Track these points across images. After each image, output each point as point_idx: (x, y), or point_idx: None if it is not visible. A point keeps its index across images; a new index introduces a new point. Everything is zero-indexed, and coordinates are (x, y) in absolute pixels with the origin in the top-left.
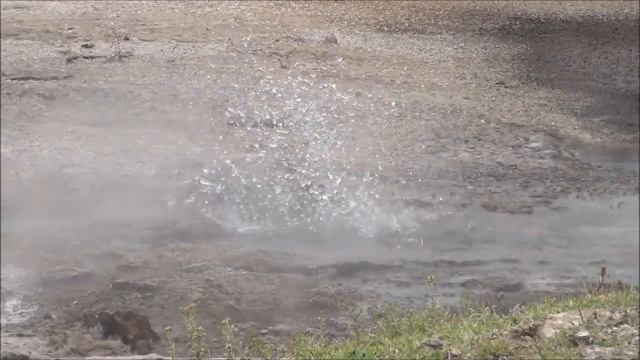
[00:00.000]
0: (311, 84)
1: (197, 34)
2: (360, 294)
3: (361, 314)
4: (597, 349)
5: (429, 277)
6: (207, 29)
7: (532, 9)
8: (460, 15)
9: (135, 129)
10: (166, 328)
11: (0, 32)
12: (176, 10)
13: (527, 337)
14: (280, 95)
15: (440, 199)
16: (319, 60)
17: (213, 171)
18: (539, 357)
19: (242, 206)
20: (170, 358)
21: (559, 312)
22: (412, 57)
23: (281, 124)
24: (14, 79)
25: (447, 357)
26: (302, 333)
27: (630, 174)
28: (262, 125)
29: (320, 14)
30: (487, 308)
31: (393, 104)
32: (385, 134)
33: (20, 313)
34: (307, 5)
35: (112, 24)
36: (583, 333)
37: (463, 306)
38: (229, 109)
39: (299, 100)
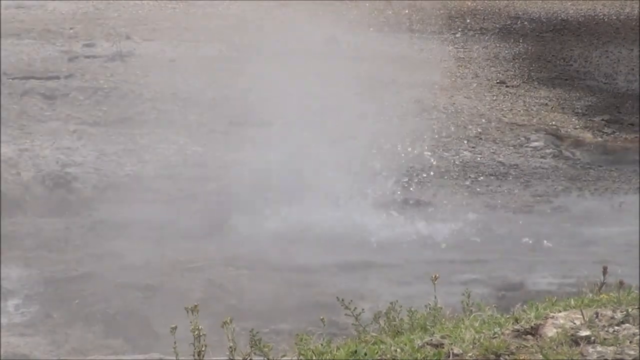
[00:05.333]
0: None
1: (198, 34)
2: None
3: (362, 313)
4: (598, 348)
5: (434, 276)
6: (208, 28)
7: (533, 8)
8: (461, 14)
9: (136, 128)
10: (172, 326)
11: (1, 32)
12: (177, 10)
13: (529, 337)
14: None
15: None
16: (320, 60)
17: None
18: (541, 356)
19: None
20: (172, 357)
21: (560, 312)
22: (413, 57)
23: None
24: (15, 78)
25: (449, 357)
26: (303, 332)
27: (632, 174)
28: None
29: (320, 13)
30: (488, 307)
31: (394, 103)
32: (386, 133)
33: (22, 312)
34: (307, 5)
35: (113, 23)
36: (585, 332)
37: (465, 305)
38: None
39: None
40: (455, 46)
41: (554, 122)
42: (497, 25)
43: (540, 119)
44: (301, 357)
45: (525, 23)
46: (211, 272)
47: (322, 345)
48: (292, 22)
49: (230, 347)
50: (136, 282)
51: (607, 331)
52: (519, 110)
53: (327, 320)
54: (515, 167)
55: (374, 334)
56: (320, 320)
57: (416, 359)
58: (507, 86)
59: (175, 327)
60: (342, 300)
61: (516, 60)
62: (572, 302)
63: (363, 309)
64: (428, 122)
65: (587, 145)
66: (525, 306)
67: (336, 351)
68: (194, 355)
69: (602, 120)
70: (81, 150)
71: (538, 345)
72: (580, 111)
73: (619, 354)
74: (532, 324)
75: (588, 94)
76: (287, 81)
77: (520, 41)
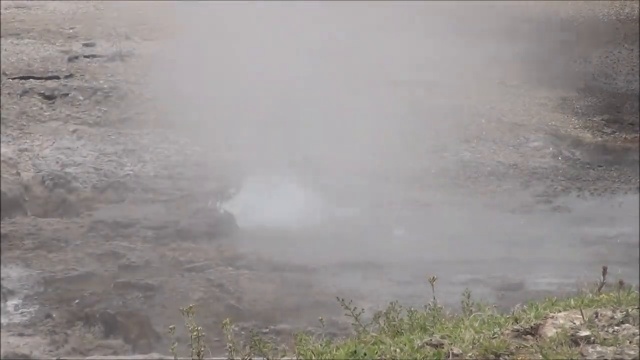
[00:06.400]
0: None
1: (198, 34)
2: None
3: (362, 313)
4: (598, 348)
5: (432, 277)
6: (208, 28)
7: (533, 8)
8: (461, 15)
9: (136, 128)
10: (170, 326)
11: (1, 32)
12: (177, 10)
13: (529, 337)
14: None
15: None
16: (320, 59)
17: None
18: (541, 356)
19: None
20: (172, 357)
21: (560, 312)
22: (413, 57)
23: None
24: (15, 78)
25: (449, 357)
26: (303, 332)
27: (632, 174)
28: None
29: (321, 13)
30: (488, 307)
31: (394, 103)
32: (386, 133)
33: (21, 312)
34: (308, 4)
35: (113, 23)
36: (584, 332)
37: (464, 305)
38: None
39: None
40: (456, 46)
41: (553, 122)
42: (498, 26)
43: (540, 119)
44: (301, 357)
45: (526, 23)
46: (211, 272)
47: (321, 345)
48: (292, 22)
49: (230, 348)
50: (136, 282)
51: (606, 331)
52: (519, 110)
53: (327, 320)
54: (515, 166)
55: (373, 334)
56: (319, 320)
57: (416, 359)
58: (506, 86)
59: (174, 328)
60: (342, 300)
61: (516, 60)
62: (572, 302)
63: (363, 309)
64: (428, 122)
65: (587, 145)
66: (525, 306)
67: (336, 351)
68: (193, 356)
69: (602, 120)
70: (81, 150)
71: (538, 345)
72: (580, 111)
73: (618, 354)
74: (532, 324)
75: (588, 94)
76: (287, 81)
77: (521, 41)
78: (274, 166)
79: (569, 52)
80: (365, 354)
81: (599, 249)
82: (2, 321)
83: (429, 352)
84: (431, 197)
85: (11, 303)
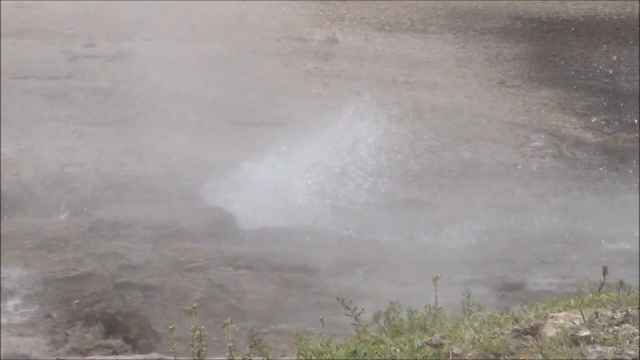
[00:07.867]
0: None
1: (198, 34)
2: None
3: (362, 313)
4: (598, 348)
5: (434, 276)
6: (208, 28)
7: (533, 8)
8: (461, 14)
9: (136, 128)
10: (170, 327)
11: (1, 32)
12: (177, 9)
13: (529, 337)
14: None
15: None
16: (320, 60)
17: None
18: (541, 356)
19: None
20: (172, 357)
21: (560, 312)
22: (413, 57)
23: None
24: (15, 78)
25: (449, 357)
26: (303, 332)
27: (632, 174)
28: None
29: (321, 13)
30: (488, 307)
31: (394, 103)
32: (386, 133)
33: (21, 313)
34: (308, 4)
35: (113, 23)
36: (584, 332)
37: (464, 305)
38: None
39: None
40: (456, 46)
41: (554, 122)
42: (498, 25)
43: (540, 119)
44: (301, 357)
45: (526, 23)
46: (211, 272)
47: (321, 345)
48: (292, 21)
49: (230, 347)
50: (136, 282)
51: (607, 331)
52: (519, 111)
53: (327, 320)
54: (515, 167)
55: (373, 334)
56: (320, 320)
57: (416, 359)
58: (507, 86)
59: (174, 328)
60: (342, 300)
61: (517, 60)
62: (572, 302)
63: (363, 309)
64: (428, 122)
65: (588, 145)
66: (525, 306)
67: (336, 351)
68: (193, 356)
69: (602, 120)
70: (81, 150)
71: (538, 345)
72: (580, 111)
73: (618, 354)
74: (532, 324)
75: (588, 94)
76: (287, 81)
77: (521, 41)
78: (274, 166)
79: (569, 52)
80: (365, 354)
81: (599, 248)
82: (2, 321)
83: (429, 352)
84: (431, 197)
85: (11, 303)
